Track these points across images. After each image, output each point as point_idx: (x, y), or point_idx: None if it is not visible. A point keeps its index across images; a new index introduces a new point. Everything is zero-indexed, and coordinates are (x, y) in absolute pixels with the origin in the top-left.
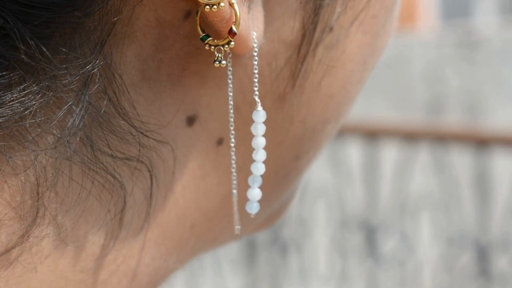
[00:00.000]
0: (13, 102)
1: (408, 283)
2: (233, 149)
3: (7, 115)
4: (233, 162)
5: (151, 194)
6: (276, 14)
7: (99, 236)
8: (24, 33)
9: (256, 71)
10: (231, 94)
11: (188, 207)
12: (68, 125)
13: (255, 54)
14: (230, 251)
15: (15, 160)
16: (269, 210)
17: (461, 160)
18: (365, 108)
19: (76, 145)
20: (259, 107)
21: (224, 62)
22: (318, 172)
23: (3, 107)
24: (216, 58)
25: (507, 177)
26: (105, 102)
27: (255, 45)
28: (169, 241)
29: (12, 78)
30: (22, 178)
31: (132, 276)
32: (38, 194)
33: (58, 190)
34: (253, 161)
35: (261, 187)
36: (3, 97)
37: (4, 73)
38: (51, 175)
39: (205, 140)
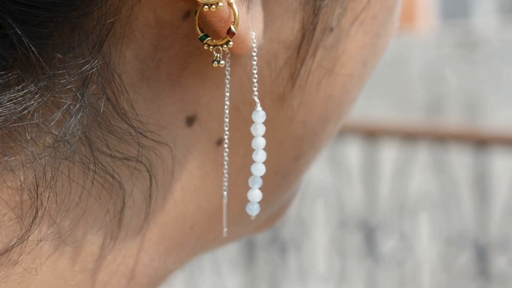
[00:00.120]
0: (11, 102)
1: (407, 283)
2: (226, 150)
3: (5, 115)
4: (225, 163)
5: (150, 194)
6: (275, 14)
7: (98, 237)
8: (22, 33)
9: (255, 71)
10: (227, 94)
11: (187, 207)
12: (67, 125)
13: (254, 54)
14: (229, 251)
15: (14, 161)
16: (269, 211)
17: (460, 160)
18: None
19: (75, 145)
20: (259, 108)
21: (222, 62)
22: (317, 172)
23: (1, 107)
24: (214, 58)
25: (506, 177)
26: (103, 102)
27: (254, 45)
28: (168, 241)
29: (10, 78)
30: (21, 178)
31: (132, 276)
32: (37, 194)
33: (58, 190)
34: (253, 161)
35: (262, 188)
36: (0, 97)
37: (2, 73)
38: (50, 175)
39: (205, 140)
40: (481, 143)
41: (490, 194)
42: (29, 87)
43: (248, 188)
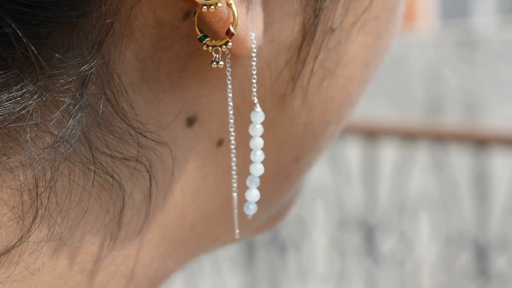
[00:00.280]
0: (10, 102)
1: (407, 282)
2: (233, 150)
3: (4, 114)
4: (233, 164)
5: (150, 194)
6: (276, 15)
7: (98, 237)
8: (22, 33)
9: (254, 72)
10: (230, 95)
11: (187, 208)
12: (66, 125)
13: (254, 55)
14: (229, 251)
15: (13, 161)
16: (270, 212)
17: (460, 160)
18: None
19: (74, 146)
20: (258, 108)
21: (221, 63)
22: (317, 171)
23: (0, 106)
24: (213, 59)
25: (506, 177)
26: (103, 102)
27: (253, 46)
28: (168, 242)
29: (9, 77)
30: (21, 178)
31: (131, 276)
32: (37, 194)
33: (58, 190)
34: (252, 162)
35: (261, 189)
36: (0, 97)
37: (0, 72)
38: (49, 175)
39: (205, 141)
40: (480, 143)
41: (490, 194)
42: (28, 86)
43: (247, 187)
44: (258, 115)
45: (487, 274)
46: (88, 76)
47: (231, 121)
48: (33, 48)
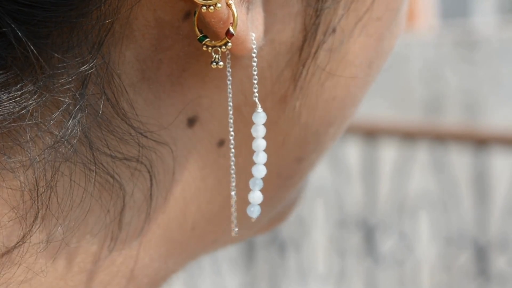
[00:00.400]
0: (9, 102)
1: (407, 282)
2: (233, 150)
3: (4, 114)
4: (232, 163)
5: (151, 194)
6: (277, 15)
7: (99, 237)
8: (21, 33)
9: (255, 73)
10: (230, 95)
11: (188, 208)
12: (66, 125)
13: (254, 55)
14: (229, 251)
15: (14, 160)
16: (272, 213)
17: (460, 160)
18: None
19: (75, 146)
20: (259, 109)
21: (221, 63)
22: (316, 171)
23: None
24: (213, 59)
25: (505, 177)
26: (103, 102)
27: (253, 47)
28: (169, 242)
29: (9, 77)
30: (21, 178)
31: (132, 277)
32: (37, 194)
33: (58, 190)
34: (254, 163)
35: (264, 190)
36: (0, 96)
37: (0, 72)
38: (50, 175)
39: (206, 141)
40: (480, 142)
41: (490, 194)
42: (27, 86)
43: (249, 190)
44: (259, 116)
45: (487, 274)
46: (88, 76)
47: (231, 121)
48: (32, 48)
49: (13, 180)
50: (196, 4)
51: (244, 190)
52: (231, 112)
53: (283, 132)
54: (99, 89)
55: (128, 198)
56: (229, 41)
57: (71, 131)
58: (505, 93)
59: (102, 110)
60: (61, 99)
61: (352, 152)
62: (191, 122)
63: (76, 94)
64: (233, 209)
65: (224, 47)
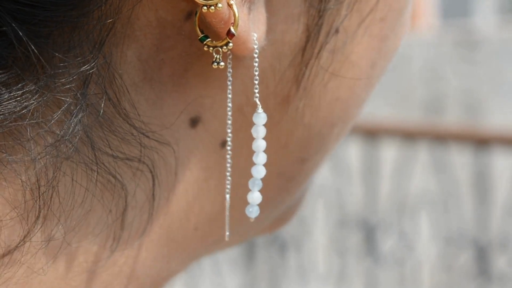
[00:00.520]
0: (11, 101)
1: (407, 282)
2: (229, 152)
3: (5, 113)
4: (228, 165)
5: (153, 195)
6: (280, 16)
7: (101, 237)
8: (22, 32)
9: (256, 73)
10: (230, 96)
11: (191, 209)
12: (67, 125)
13: (256, 55)
14: (229, 251)
15: (15, 160)
16: (275, 213)
17: (460, 160)
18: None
19: (76, 145)
20: (259, 109)
21: (222, 63)
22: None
23: (0, 105)
24: (214, 60)
25: (506, 177)
26: (105, 102)
27: (255, 47)
28: (171, 242)
29: (10, 76)
30: (23, 177)
31: (135, 277)
32: (39, 194)
33: (60, 190)
34: (254, 164)
35: (265, 190)
36: (1, 96)
37: (1, 72)
38: (52, 175)
39: (208, 142)
40: (481, 142)
41: (490, 194)
42: (28, 86)
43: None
44: (260, 117)
45: (487, 274)
46: (90, 75)
47: (229, 122)
48: (33, 47)
49: (14, 179)
50: (197, 4)
51: (246, 190)
52: (230, 113)
53: (286, 133)
54: (101, 89)
55: (130, 198)
56: (230, 41)
57: (72, 130)
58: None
59: (103, 110)
60: (63, 98)
61: (352, 151)
62: (194, 122)
63: (78, 93)
64: (227, 213)
65: (225, 47)
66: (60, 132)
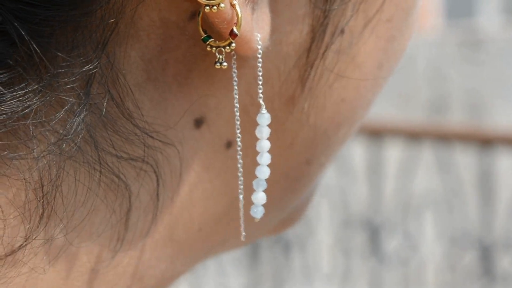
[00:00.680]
0: (13, 101)
1: (412, 282)
2: (239, 152)
3: (8, 113)
4: (239, 166)
5: (157, 195)
6: (284, 16)
7: (104, 238)
8: (24, 31)
9: (260, 73)
10: (236, 96)
11: (195, 209)
12: (70, 124)
13: (259, 56)
14: (233, 251)
15: (18, 159)
16: (282, 215)
17: (464, 160)
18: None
19: (79, 145)
20: (263, 110)
21: (225, 64)
22: None
23: (3, 105)
24: (217, 60)
25: (510, 177)
26: (108, 102)
27: (259, 47)
28: (176, 243)
29: (13, 76)
30: (26, 177)
31: (139, 278)
32: (42, 193)
33: (63, 190)
34: (259, 164)
35: (271, 191)
36: (3, 95)
37: (3, 71)
38: (55, 174)
39: (213, 142)
40: (485, 142)
41: (495, 194)
42: (31, 85)
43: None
44: (264, 117)
45: (492, 274)
46: (93, 75)
47: (237, 122)
48: (35, 46)
49: (18, 179)
50: (199, 4)
51: (252, 191)
52: (237, 114)
53: (291, 134)
54: (104, 89)
55: (134, 198)
56: (233, 41)
57: (75, 130)
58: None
59: (107, 110)
60: (66, 98)
61: (357, 151)
62: (198, 123)
63: (81, 93)
64: (241, 213)
65: (228, 47)
66: (63, 132)
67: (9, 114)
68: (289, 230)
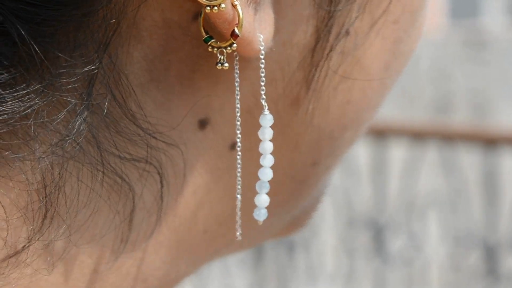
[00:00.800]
0: (15, 101)
1: (416, 282)
2: (239, 153)
3: (9, 113)
4: (239, 166)
5: (161, 196)
6: (288, 17)
7: (108, 239)
8: (25, 32)
9: (262, 74)
10: (238, 97)
11: (200, 211)
12: (72, 124)
13: (262, 57)
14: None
15: (21, 160)
16: (288, 217)
17: (469, 160)
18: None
19: (82, 145)
20: (266, 111)
21: (226, 64)
22: None
23: (4, 105)
24: (218, 60)
25: None
26: (110, 103)
27: (261, 48)
28: (180, 245)
29: (14, 76)
30: (29, 177)
31: (143, 279)
32: (45, 194)
33: (66, 191)
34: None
35: (277, 193)
36: (5, 95)
37: (4, 71)
38: (57, 175)
39: (218, 144)
40: (489, 142)
41: (499, 194)
42: (33, 86)
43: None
44: (266, 118)
45: (496, 274)
46: (94, 75)
47: (238, 123)
48: (35, 46)
49: (20, 180)
50: (200, 4)
51: (255, 193)
52: (238, 114)
53: (296, 135)
54: (106, 89)
55: (137, 199)
56: (234, 42)
57: (77, 130)
58: None
59: (109, 111)
60: (68, 99)
61: (361, 151)
62: (203, 124)
63: (83, 93)
64: (238, 213)
65: (229, 48)
66: (66, 132)
67: (11, 114)
68: None
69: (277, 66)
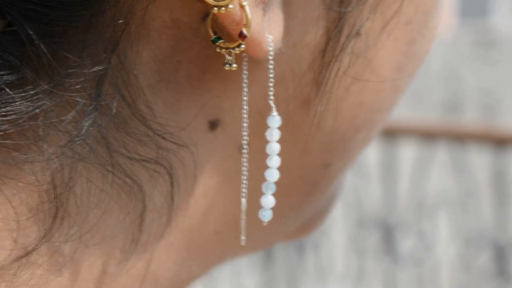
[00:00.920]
0: (23, 101)
1: (426, 282)
2: (245, 156)
3: (18, 113)
4: (244, 169)
5: (172, 197)
6: (298, 18)
7: (119, 240)
8: (33, 32)
9: (271, 75)
10: (245, 98)
11: (210, 212)
12: (80, 125)
13: (270, 58)
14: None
15: (31, 160)
16: (301, 219)
17: (479, 159)
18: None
19: (91, 146)
20: (274, 112)
21: (234, 65)
22: None
23: (13, 105)
24: (226, 61)
25: None
26: (120, 103)
27: (270, 49)
28: (191, 246)
29: (23, 76)
30: (39, 178)
31: (154, 280)
32: (55, 195)
33: (77, 191)
34: (268, 167)
35: (288, 195)
36: (13, 96)
37: (12, 71)
38: (67, 176)
39: (228, 145)
40: (500, 142)
41: (509, 194)
42: (41, 86)
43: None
44: (274, 119)
45: (506, 274)
46: (104, 76)
47: (245, 125)
48: (43, 47)
49: (30, 180)
50: (208, 5)
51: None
52: (245, 116)
53: (307, 137)
54: (115, 90)
55: (147, 200)
56: (242, 43)
57: (86, 130)
58: None
59: (119, 111)
60: (76, 99)
61: (371, 151)
62: (213, 125)
63: (92, 94)
64: (243, 217)
65: (237, 49)
66: (75, 133)
67: (19, 114)
68: None
69: (287, 67)
